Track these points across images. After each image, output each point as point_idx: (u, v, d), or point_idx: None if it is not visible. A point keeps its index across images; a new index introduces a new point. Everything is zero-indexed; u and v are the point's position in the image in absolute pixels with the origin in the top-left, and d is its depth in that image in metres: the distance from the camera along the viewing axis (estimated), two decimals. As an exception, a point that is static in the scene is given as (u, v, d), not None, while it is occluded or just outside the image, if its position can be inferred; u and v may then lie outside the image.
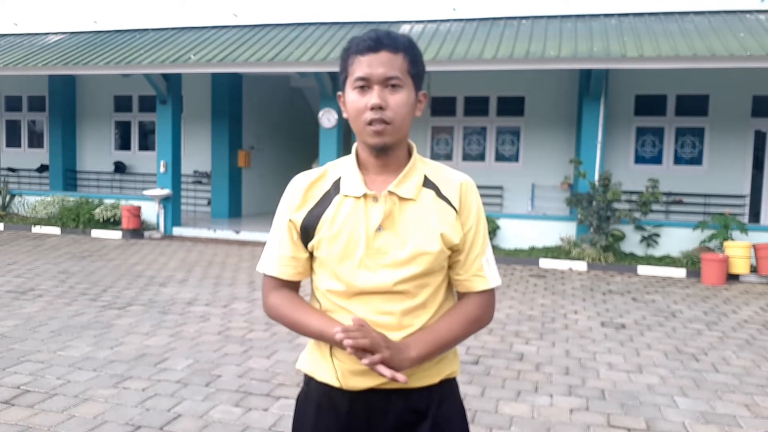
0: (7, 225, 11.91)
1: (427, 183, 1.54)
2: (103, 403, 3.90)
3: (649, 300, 7.44)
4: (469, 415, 3.87)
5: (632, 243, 9.98)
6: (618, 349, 5.39)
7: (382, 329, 1.47)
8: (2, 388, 4.08)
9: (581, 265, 9.40)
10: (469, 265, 1.56)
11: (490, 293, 1.60)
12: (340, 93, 1.56)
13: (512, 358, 5.08)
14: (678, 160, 11.58)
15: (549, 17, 11.03)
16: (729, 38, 9.43)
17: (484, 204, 11.61)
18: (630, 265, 9.33)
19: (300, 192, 1.56)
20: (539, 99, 11.99)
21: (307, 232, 1.54)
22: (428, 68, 9.96)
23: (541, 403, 4.13)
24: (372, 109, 1.44)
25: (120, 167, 14.42)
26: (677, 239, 9.83)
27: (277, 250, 1.59)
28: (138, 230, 11.34)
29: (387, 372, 1.40)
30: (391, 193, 1.50)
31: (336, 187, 1.54)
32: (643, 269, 9.23)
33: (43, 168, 14.76)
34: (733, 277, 8.79)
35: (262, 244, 10.86)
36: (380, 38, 1.46)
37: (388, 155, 1.51)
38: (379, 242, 1.49)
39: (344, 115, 1.53)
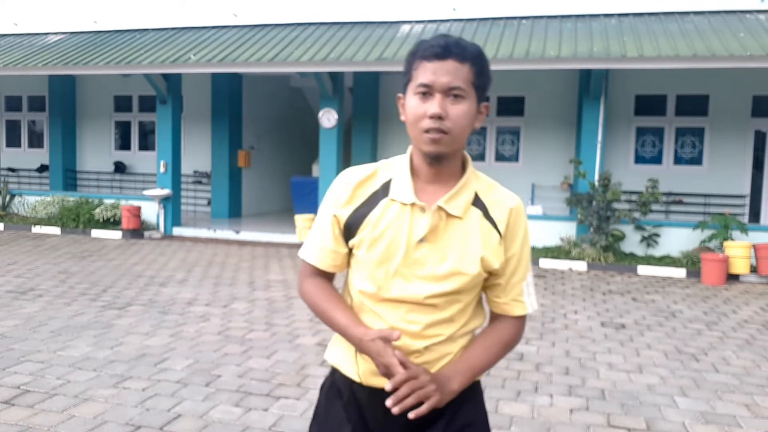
0: (7, 225, 11.91)
1: (477, 202, 1.53)
2: (103, 403, 3.90)
3: (649, 300, 7.44)
4: (469, 415, 3.88)
5: (632, 243, 9.99)
6: (618, 349, 5.39)
7: (405, 336, 1.48)
8: (2, 388, 4.08)
9: (581, 265, 9.40)
10: (510, 290, 1.57)
11: (525, 318, 1.61)
12: (400, 95, 1.54)
13: (512, 358, 5.08)
14: (678, 160, 11.58)
15: (549, 17, 11.03)
16: (729, 38, 9.43)
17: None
18: (630, 265, 9.33)
19: (349, 188, 1.56)
20: (539, 99, 11.99)
21: (350, 230, 1.55)
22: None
23: (541, 403, 4.13)
24: (431, 117, 1.42)
25: (120, 167, 14.42)
26: (677, 239, 9.83)
27: (320, 240, 1.60)
28: (138, 230, 11.34)
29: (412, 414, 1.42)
30: (440, 208, 1.49)
31: (385, 189, 1.53)
32: (643, 269, 9.23)
33: (43, 168, 14.76)
34: (733, 277, 8.79)
35: (263, 244, 10.86)
36: (449, 45, 1.43)
37: (441, 164, 1.50)
38: (418, 253, 1.49)
39: (401, 117, 1.52)
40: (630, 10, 10.81)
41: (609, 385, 4.51)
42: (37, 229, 11.67)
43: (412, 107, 1.46)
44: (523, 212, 1.58)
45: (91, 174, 14.70)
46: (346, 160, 12.24)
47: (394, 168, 1.56)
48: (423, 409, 1.40)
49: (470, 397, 1.60)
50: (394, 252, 1.49)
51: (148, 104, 13.96)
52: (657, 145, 11.64)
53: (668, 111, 11.55)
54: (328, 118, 10.93)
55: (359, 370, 1.55)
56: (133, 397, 4.00)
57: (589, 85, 9.95)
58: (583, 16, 10.94)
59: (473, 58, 1.45)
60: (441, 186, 1.52)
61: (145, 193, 11.81)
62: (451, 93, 1.43)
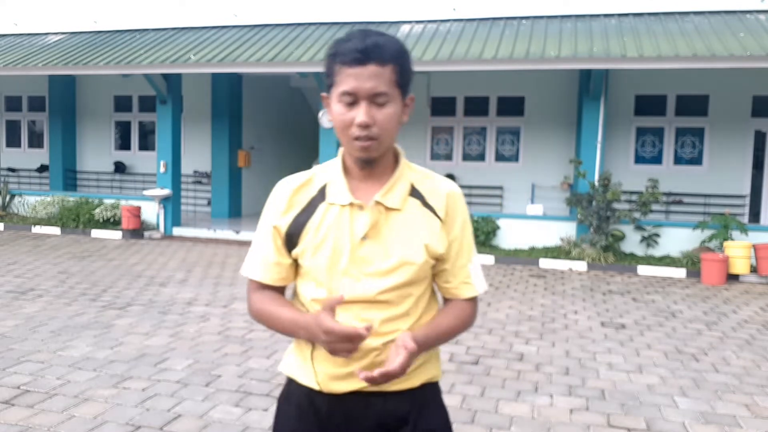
0: (7, 225, 11.91)
1: (414, 192, 1.54)
2: (103, 403, 3.90)
3: (649, 300, 7.44)
4: (468, 415, 3.88)
5: (632, 243, 9.99)
6: (618, 349, 5.39)
7: None
8: (2, 388, 4.08)
9: (581, 265, 9.40)
10: (456, 273, 1.57)
11: (475, 299, 1.62)
12: (324, 94, 1.53)
13: (512, 358, 5.08)
14: (678, 160, 11.58)
15: (549, 17, 11.03)
16: (729, 38, 9.42)
17: (484, 204, 11.56)
18: (630, 265, 9.33)
19: (285, 197, 1.55)
20: (539, 99, 11.99)
21: (291, 239, 1.53)
22: (428, 68, 10.00)
23: (541, 403, 4.13)
24: (359, 126, 1.42)
25: (120, 167, 14.41)
26: (677, 239, 9.83)
27: (261, 254, 1.58)
28: (138, 230, 11.34)
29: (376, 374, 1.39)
30: (377, 202, 1.49)
31: (322, 194, 1.53)
32: (643, 269, 9.23)
33: (43, 168, 14.76)
34: (733, 277, 8.79)
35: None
36: (368, 50, 1.40)
37: (373, 166, 1.51)
38: (363, 251, 1.48)
39: (329, 118, 1.51)
40: (630, 10, 10.81)
41: (609, 385, 4.51)
42: (37, 229, 11.67)
43: (339, 114, 1.45)
44: (460, 197, 1.58)
45: (91, 174, 14.70)
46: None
47: (329, 171, 1.56)
48: (400, 361, 1.38)
49: (431, 402, 1.60)
50: (339, 254, 1.48)
51: (148, 104, 13.96)
52: (657, 145, 11.64)
53: (668, 111, 11.55)
54: (328, 118, 10.91)
55: (317, 377, 1.53)
56: (133, 397, 4.00)
57: (589, 85, 9.95)
58: (583, 16, 10.94)
59: (394, 58, 1.43)
60: (376, 182, 1.52)
61: (145, 193, 11.81)
62: (376, 98, 1.42)
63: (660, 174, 11.04)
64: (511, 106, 12.22)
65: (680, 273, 9.09)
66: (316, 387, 1.53)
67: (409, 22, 11.60)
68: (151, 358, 4.77)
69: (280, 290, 1.62)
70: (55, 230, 11.59)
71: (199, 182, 14.08)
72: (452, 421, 1.66)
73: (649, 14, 10.74)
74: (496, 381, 4.51)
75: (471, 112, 12.47)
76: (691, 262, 9.16)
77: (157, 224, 11.77)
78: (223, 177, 13.31)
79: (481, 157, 12.47)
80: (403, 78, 1.46)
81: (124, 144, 14.71)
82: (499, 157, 12.40)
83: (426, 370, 1.59)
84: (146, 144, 14.48)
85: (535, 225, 10.44)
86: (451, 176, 12.24)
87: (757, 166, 11.40)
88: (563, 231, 10.29)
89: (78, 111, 14.55)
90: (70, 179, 14.37)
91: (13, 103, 15.26)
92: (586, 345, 5.50)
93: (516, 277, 8.68)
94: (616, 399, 4.24)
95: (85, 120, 14.57)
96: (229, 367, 4.64)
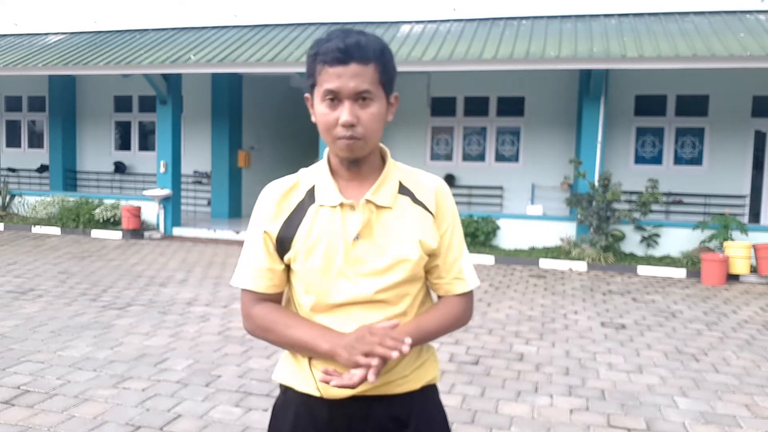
0: (7, 225, 11.91)
1: (402, 189, 1.53)
2: (103, 404, 3.90)
3: (649, 300, 7.44)
4: (468, 415, 3.88)
5: (632, 243, 9.99)
6: (618, 350, 5.39)
7: None
8: (2, 388, 4.08)
9: (581, 266, 9.40)
10: (448, 269, 1.56)
11: (469, 294, 1.60)
12: (307, 95, 1.51)
13: (512, 358, 5.08)
14: (678, 160, 11.58)
15: (549, 17, 11.03)
16: (729, 38, 9.43)
17: (485, 205, 11.54)
18: (630, 265, 9.32)
19: (272, 203, 1.53)
20: (539, 99, 11.99)
21: (282, 244, 1.51)
22: (428, 68, 10.00)
23: (541, 404, 4.13)
24: (343, 125, 1.40)
25: (120, 167, 14.41)
26: (677, 239, 9.83)
27: (253, 262, 1.55)
28: (138, 230, 11.34)
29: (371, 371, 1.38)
30: (368, 201, 1.48)
31: (311, 197, 1.51)
32: (643, 269, 9.23)
33: (43, 168, 14.76)
34: (733, 278, 8.79)
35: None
36: (349, 49, 1.38)
37: (359, 165, 1.50)
38: (356, 251, 1.47)
39: (312, 119, 1.49)
40: (630, 10, 10.81)
41: (609, 385, 4.51)
42: (37, 230, 11.67)
43: (322, 114, 1.43)
44: (447, 192, 1.58)
45: (91, 174, 14.70)
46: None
47: (316, 173, 1.55)
48: (357, 378, 1.38)
49: (429, 404, 1.59)
50: (333, 255, 1.46)
51: (148, 104, 13.96)
52: (657, 146, 11.64)
53: (668, 111, 11.55)
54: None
55: (317, 383, 1.50)
56: (133, 398, 4.00)
57: (589, 85, 9.95)
58: (583, 16, 10.94)
59: (376, 56, 1.42)
60: (363, 181, 1.51)
61: (145, 193, 11.81)
62: (359, 97, 1.41)
63: (660, 174, 11.04)
64: (511, 106, 12.22)
65: (680, 273, 9.09)
66: (316, 393, 1.51)
67: (409, 22, 11.60)
68: (151, 359, 4.77)
69: (276, 302, 1.58)
70: (55, 230, 11.59)
71: (199, 182, 14.08)
72: (452, 421, 1.67)
73: (649, 14, 10.74)
74: (496, 381, 4.51)
75: (471, 112, 12.47)
76: (691, 263, 9.16)
77: (157, 224, 11.77)
78: (223, 177, 13.31)
79: (481, 157, 12.47)
80: (386, 76, 1.45)
81: (124, 144, 14.71)
82: (499, 158, 12.40)
83: (425, 372, 1.58)
84: (146, 144, 14.48)
85: (535, 225, 10.44)
86: (451, 176, 12.25)
87: (757, 166, 11.40)
88: (563, 231, 10.29)
89: (78, 111, 14.55)
90: (70, 179, 14.37)
91: (13, 103, 15.26)
92: (586, 345, 5.50)
93: (516, 278, 8.68)
94: (616, 399, 4.24)
95: (85, 120, 14.57)
96: (229, 367, 4.64)
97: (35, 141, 15.36)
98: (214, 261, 9.20)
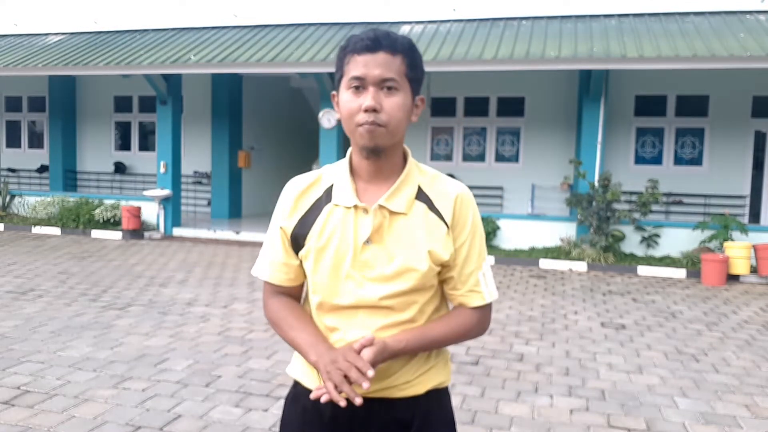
0: (7, 225, 11.91)
1: (420, 195, 1.50)
2: (103, 404, 3.90)
3: (649, 300, 7.44)
4: (469, 415, 3.88)
5: (632, 243, 9.98)
6: (618, 350, 5.39)
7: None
8: (2, 389, 4.08)
9: (581, 266, 9.40)
10: (464, 281, 1.51)
11: (486, 307, 1.56)
12: (334, 93, 1.51)
13: (512, 358, 5.08)
14: (678, 160, 11.58)
15: (549, 17, 11.03)
16: (729, 39, 9.43)
17: (484, 205, 11.53)
18: (630, 265, 9.32)
19: (291, 199, 1.54)
20: (539, 99, 11.99)
21: (297, 241, 1.52)
22: (428, 69, 9.97)
23: (541, 404, 4.13)
24: (366, 111, 1.39)
25: (120, 168, 14.41)
26: (677, 240, 9.83)
27: (270, 254, 1.58)
28: (138, 231, 11.34)
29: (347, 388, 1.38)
30: (381, 206, 1.46)
31: (328, 195, 1.51)
32: (643, 270, 9.23)
33: (43, 168, 14.76)
34: (733, 278, 8.79)
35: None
36: (379, 38, 1.41)
37: (380, 158, 1.46)
38: (365, 255, 1.46)
39: (337, 115, 1.51)
40: (630, 10, 10.81)
41: (609, 385, 4.51)
42: (37, 230, 11.67)
43: (346, 102, 1.43)
44: (470, 200, 1.53)
45: (91, 174, 14.70)
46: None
47: (336, 172, 1.54)
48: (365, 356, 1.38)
49: (436, 409, 1.57)
50: (343, 257, 1.46)
51: (148, 104, 13.96)
52: (657, 146, 11.64)
53: (668, 111, 11.55)
54: (328, 118, 10.92)
55: (321, 381, 1.50)
56: (133, 398, 4.00)
57: (589, 86, 9.95)
58: (583, 16, 10.94)
59: (405, 50, 1.43)
60: (383, 183, 1.49)
61: (145, 193, 11.81)
62: (384, 85, 1.40)
63: (660, 174, 11.04)
64: (511, 106, 12.22)
65: (680, 273, 9.09)
66: None
67: (409, 22, 11.60)
68: (151, 359, 4.77)
69: (295, 294, 1.61)
70: (55, 231, 11.59)
71: (199, 182, 14.08)
72: (455, 426, 1.65)
73: (649, 14, 10.74)
74: (496, 381, 4.51)
75: (471, 112, 12.47)
76: (691, 263, 9.16)
77: (157, 225, 11.77)
78: (223, 177, 13.31)
79: (481, 157, 12.47)
80: (413, 72, 1.45)
81: (124, 144, 14.71)
82: (499, 158, 12.40)
83: (432, 377, 1.55)
84: (146, 144, 14.48)
85: (535, 225, 10.44)
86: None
87: (757, 167, 11.40)
88: (563, 231, 10.29)
89: (78, 111, 14.55)
90: (70, 180, 14.37)
91: (13, 104, 15.26)
92: (586, 345, 5.50)
93: (516, 278, 8.68)
94: (616, 399, 4.24)
95: (85, 120, 14.57)
96: (229, 367, 4.64)
97: (35, 141, 15.36)
98: (214, 261, 9.20)
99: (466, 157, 12.52)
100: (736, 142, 11.22)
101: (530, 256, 9.84)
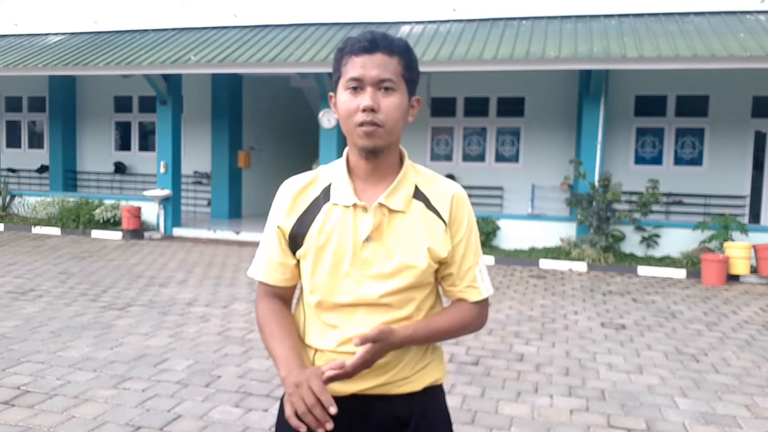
0: (7, 225, 11.91)
1: (418, 194, 1.53)
2: (103, 404, 3.90)
3: (649, 300, 7.44)
4: (469, 415, 3.88)
5: (632, 243, 9.98)
6: (618, 350, 5.39)
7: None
8: (2, 389, 4.08)
9: (581, 266, 9.40)
10: (462, 277, 1.55)
11: (483, 302, 1.60)
12: (331, 94, 1.53)
13: (512, 358, 5.08)
14: (678, 160, 11.58)
15: (549, 18, 11.04)
16: (729, 39, 9.43)
17: (484, 205, 11.53)
18: (630, 265, 9.32)
19: (288, 198, 1.55)
20: (539, 99, 11.99)
21: (295, 240, 1.53)
22: (428, 69, 10.00)
23: (541, 404, 4.13)
24: (363, 110, 1.42)
25: (120, 168, 14.42)
26: (677, 240, 9.83)
27: (267, 255, 1.59)
28: (138, 231, 11.34)
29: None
30: (381, 204, 1.48)
31: (326, 195, 1.53)
32: (643, 270, 9.23)
33: (43, 168, 14.76)
34: (733, 278, 8.79)
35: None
36: (376, 39, 1.43)
37: (378, 158, 1.49)
38: (365, 253, 1.48)
39: (335, 115, 1.53)
40: (630, 10, 10.81)
41: (609, 385, 4.51)
42: (37, 230, 11.67)
43: (344, 102, 1.45)
44: (465, 199, 1.56)
45: (91, 174, 14.70)
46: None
47: (333, 171, 1.55)
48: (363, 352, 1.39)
49: (432, 406, 1.58)
50: (342, 255, 1.48)
51: (148, 105, 13.96)
52: (657, 146, 11.64)
53: (668, 111, 11.55)
54: (328, 118, 10.93)
55: None
56: (133, 398, 4.00)
57: (589, 86, 9.95)
58: (583, 16, 10.94)
59: (401, 51, 1.46)
60: (380, 183, 1.51)
61: (145, 193, 11.81)
62: (381, 86, 1.43)
63: (660, 174, 11.04)
64: (511, 106, 12.22)
65: (680, 273, 9.09)
66: None
67: (409, 22, 11.60)
68: (151, 359, 4.77)
69: (288, 297, 1.62)
70: (55, 231, 11.59)
71: (199, 183, 14.08)
72: (452, 421, 1.66)
73: (649, 15, 10.74)
74: (497, 381, 4.51)
75: (471, 112, 12.47)
76: (691, 263, 9.16)
77: (157, 225, 11.77)
78: (223, 177, 13.31)
79: (481, 157, 12.47)
80: (409, 72, 1.48)
81: (124, 144, 14.71)
82: (499, 158, 12.40)
83: (428, 373, 1.58)
84: (146, 144, 14.48)
85: (535, 225, 10.44)
86: (451, 177, 12.23)
87: (757, 167, 11.40)
88: (563, 231, 10.29)
89: (78, 111, 14.55)
90: (70, 180, 14.37)
91: (13, 104, 15.26)
92: (586, 345, 5.50)
93: (516, 278, 8.68)
94: (616, 399, 4.24)
95: (85, 120, 14.57)
96: (229, 367, 4.64)
97: (35, 141, 15.36)
98: (214, 261, 9.20)
99: (466, 157, 12.52)
100: (736, 142, 11.22)
101: (530, 256, 9.84)
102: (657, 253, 9.87)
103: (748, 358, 5.24)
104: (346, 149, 1.55)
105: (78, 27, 13.47)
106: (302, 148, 15.59)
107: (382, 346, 1.42)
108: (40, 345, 5.03)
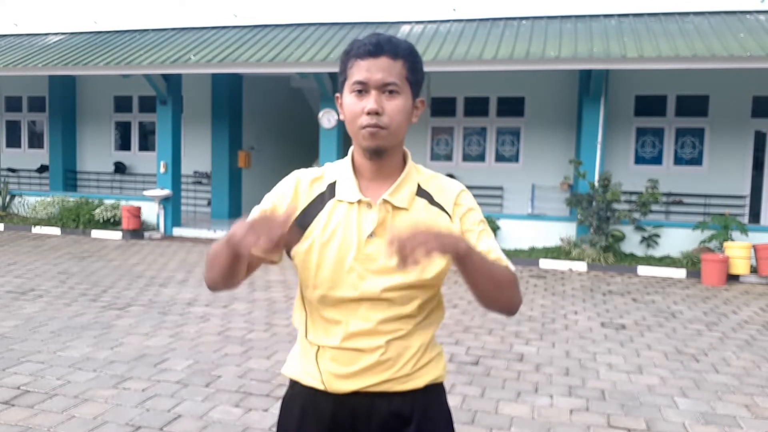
0: (7, 225, 11.91)
1: (420, 192, 1.55)
2: (103, 404, 3.90)
3: (649, 300, 7.44)
4: (469, 415, 3.88)
5: (632, 243, 9.98)
6: (618, 350, 5.39)
7: (366, 333, 1.48)
8: (2, 389, 4.08)
9: (581, 266, 9.40)
10: (486, 253, 1.50)
11: (516, 277, 1.51)
12: (338, 95, 1.56)
13: (512, 358, 5.08)
14: (678, 160, 11.58)
15: (549, 17, 11.04)
16: (729, 39, 9.43)
17: (485, 205, 11.54)
18: (630, 265, 9.32)
19: (295, 186, 1.55)
20: (539, 99, 11.99)
21: (294, 228, 1.51)
22: (428, 69, 9.98)
23: (542, 404, 4.13)
24: (368, 113, 1.44)
25: (120, 168, 14.42)
26: (677, 240, 9.83)
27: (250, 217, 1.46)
28: (138, 231, 11.34)
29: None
30: (385, 201, 1.50)
31: (331, 191, 1.55)
32: (643, 270, 9.23)
33: (43, 168, 14.76)
34: (733, 278, 8.79)
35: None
36: (381, 43, 1.46)
37: (382, 159, 1.51)
38: (369, 249, 1.49)
39: (341, 117, 1.54)
40: (630, 10, 10.81)
41: (609, 385, 4.51)
42: (37, 230, 11.67)
43: (349, 105, 1.48)
44: (468, 194, 1.59)
45: (91, 174, 14.70)
46: (346, 161, 12.25)
47: (338, 170, 1.58)
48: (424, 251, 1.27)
49: (434, 403, 1.59)
50: (347, 251, 1.49)
51: (148, 104, 13.96)
52: (657, 146, 11.64)
53: (668, 111, 11.55)
54: (328, 118, 10.93)
55: (322, 376, 1.53)
56: (133, 398, 4.00)
57: (589, 86, 9.95)
58: (583, 16, 10.94)
59: (406, 54, 1.49)
60: (384, 181, 1.53)
61: (145, 193, 11.81)
62: (386, 89, 1.45)
63: (660, 174, 11.04)
64: (511, 106, 12.22)
65: (680, 273, 9.09)
66: (320, 387, 1.54)
67: (409, 22, 11.60)
68: (151, 359, 4.77)
69: (251, 264, 1.49)
70: (55, 231, 11.59)
71: (199, 182, 14.08)
72: (453, 421, 1.66)
73: (649, 14, 10.74)
74: (497, 381, 4.51)
75: (471, 112, 12.47)
76: (691, 263, 9.16)
77: (157, 224, 11.77)
78: (223, 177, 13.31)
79: (481, 157, 12.47)
80: (414, 75, 1.50)
81: (124, 144, 14.71)
82: (499, 158, 12.40)
83: (430, 371, 1.58)
84: (146, 144, 14.48)
85: (535, 225, 10.44)
86: (451, 176, 12.10)
87: (757, 167, 11.40)
88: (563, 231, 10.29)
89: (78, 111, 14.55)
90: (70, 179, 14.37)
91: (13, 104, 15.26)
92: (586, 345, 5.50)
93: (516, 278, 8.67)
94: (616, 399, 4.24)
95: (85, 120, 14.57)
96: (229, 367, 4.64)
97: (35, 141, 15.36)
98: (214, 261, 9.19)
99: (466, 157, 12.52)
100: (736, 142, 11.22)
101: (530, 256, 9.84)
102: (657, 253, 9.87)
103: (748, 358, 5.24)
104: (351, 148, 1.58)
105: (78, 27, 13.47)
106: (302, 148, 15.59)
107: (450, 240, 1.30)
108: (40, 345, 5.03)
